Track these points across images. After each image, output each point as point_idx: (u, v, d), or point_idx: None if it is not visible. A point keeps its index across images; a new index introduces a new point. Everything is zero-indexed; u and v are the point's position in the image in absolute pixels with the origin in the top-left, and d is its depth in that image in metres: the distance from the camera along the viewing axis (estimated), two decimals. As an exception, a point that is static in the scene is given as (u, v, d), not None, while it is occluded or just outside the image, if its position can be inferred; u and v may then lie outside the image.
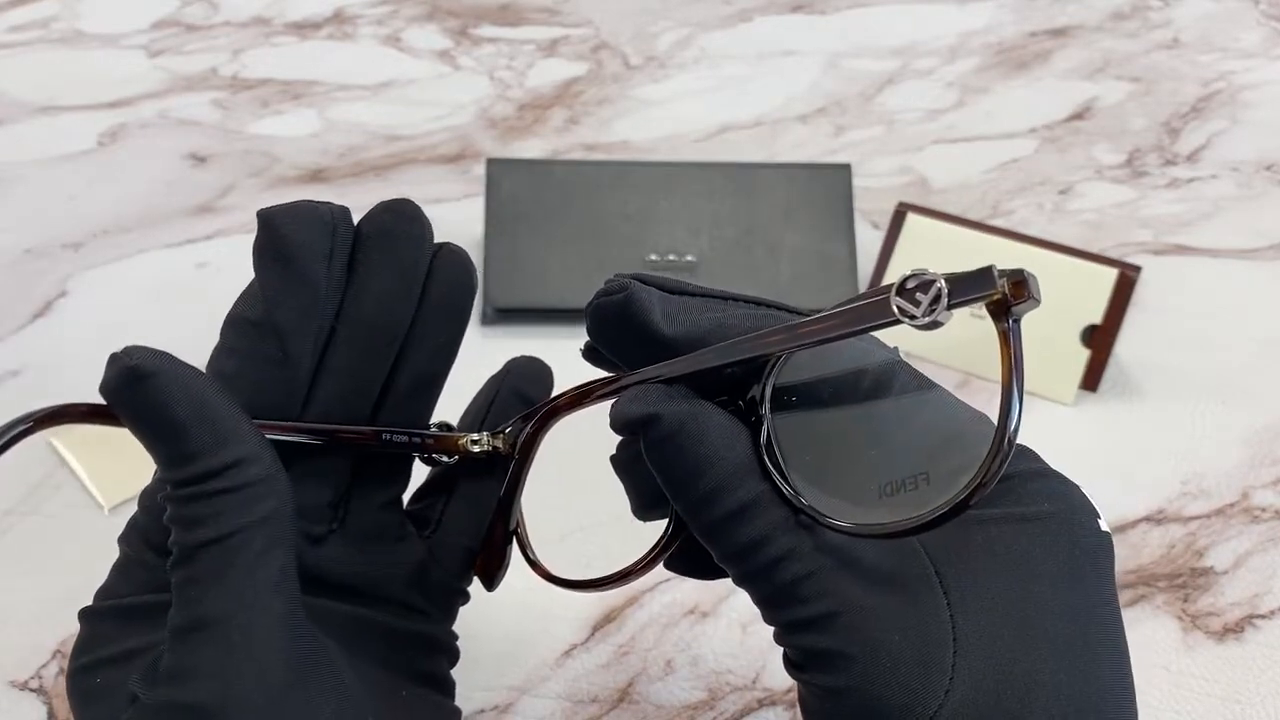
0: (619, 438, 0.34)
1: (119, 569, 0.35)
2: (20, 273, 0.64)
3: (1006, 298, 0.27)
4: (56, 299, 0.63)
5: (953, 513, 0.28)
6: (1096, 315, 0.58)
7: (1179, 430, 0.57)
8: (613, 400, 0.32)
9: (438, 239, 0.36)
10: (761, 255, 0.63)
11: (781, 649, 0.32)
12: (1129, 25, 0.83)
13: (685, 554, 0.34)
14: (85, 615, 0.34)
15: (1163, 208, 0.70)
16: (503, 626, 0.48)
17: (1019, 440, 0.28)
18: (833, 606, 0.30)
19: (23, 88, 0.75)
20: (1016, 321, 0.27)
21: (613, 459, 0.35)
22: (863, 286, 0.63)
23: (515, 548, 0.38)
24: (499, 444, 0.37)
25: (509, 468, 0.36)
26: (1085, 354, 0.58)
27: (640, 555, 0.35)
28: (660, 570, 0.36)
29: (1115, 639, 0.31)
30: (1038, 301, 0.27)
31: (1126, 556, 0.52)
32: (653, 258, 0.63)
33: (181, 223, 0.67)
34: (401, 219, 0.35)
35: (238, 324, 0.34)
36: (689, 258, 0.63)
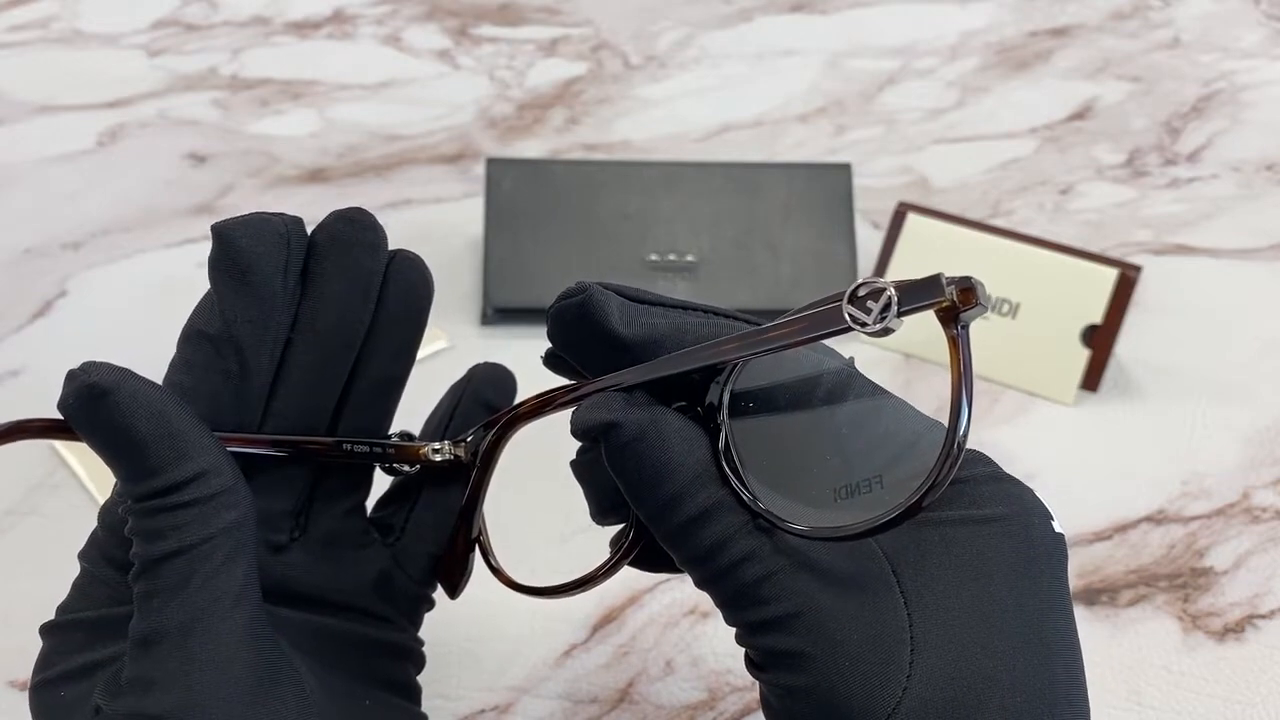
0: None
1: (79, 586, 0.35)
2: (20, 273, 0.64)
3: (955, 305, 0.28)
4: (56, 299, 0.63)
5: (906, 515, 0.29)
6: (1096, 315, 0.58)
7: (1179, 430, 0.57)
8: (574, 408, 0.32)
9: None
10: (761, 255, 0.63)
11: (743, 650, 0.32)
12: (1129, 25, 0.83)
13: (646, 552, 0.35)
14: (47, 630, 0.34)
15: (1163, 207, 0.70)
16: (503, 626, 0.48)
17: (970, 445, 0.29)
18: (792, 607, 0.30)
19: (22, 87, 0.75)
20: (965, 328, 0.28)
21: (572, 464, 0.35)
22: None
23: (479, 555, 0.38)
24: (460, 453, 0.37)
25: (470, 476, 0.37)
26: (1085, 354, 0.58)
27: (602, 560, 0.35)
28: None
29: (1068, 637, 0.31)
30: (986, 308, 0.28)
31: (1127, 556, 0.52)
32: (653, 258, 0.63)
33: (181, 222, 0.67)
34: (355, 227, 0.35)
35: (194, 338, 0.34)
36: (689, 258, 0.63)
